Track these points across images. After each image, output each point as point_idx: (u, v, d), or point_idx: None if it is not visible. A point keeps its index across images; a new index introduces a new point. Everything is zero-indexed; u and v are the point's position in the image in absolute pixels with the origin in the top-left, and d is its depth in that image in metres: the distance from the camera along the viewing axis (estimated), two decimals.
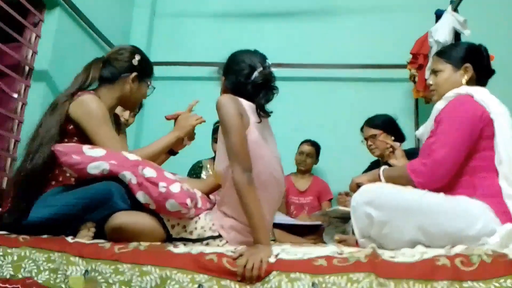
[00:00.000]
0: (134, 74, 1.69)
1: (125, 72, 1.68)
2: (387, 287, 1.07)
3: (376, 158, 2.55)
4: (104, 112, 1.57)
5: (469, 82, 1.59)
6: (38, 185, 1.48)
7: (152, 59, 3.54)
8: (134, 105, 1.80)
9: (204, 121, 1.79)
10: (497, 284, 1.04)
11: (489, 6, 3.25)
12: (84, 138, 1.54)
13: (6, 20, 2.27)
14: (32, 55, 2.54)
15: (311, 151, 3.09)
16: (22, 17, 2.41)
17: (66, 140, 1.54)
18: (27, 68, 2.51)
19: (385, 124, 2.46)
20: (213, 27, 3.67)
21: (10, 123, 2.41)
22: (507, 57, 2.77)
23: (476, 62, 1.60)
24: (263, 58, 1.50)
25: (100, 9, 3.11)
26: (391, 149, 1.98)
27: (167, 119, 1.81)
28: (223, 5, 3.70)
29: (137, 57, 1.71)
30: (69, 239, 1.36)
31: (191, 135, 1.80)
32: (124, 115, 2.30)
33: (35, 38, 2.57)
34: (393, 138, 2.45)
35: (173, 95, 3.52)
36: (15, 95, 2.42)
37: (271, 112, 1.48)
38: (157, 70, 3.50)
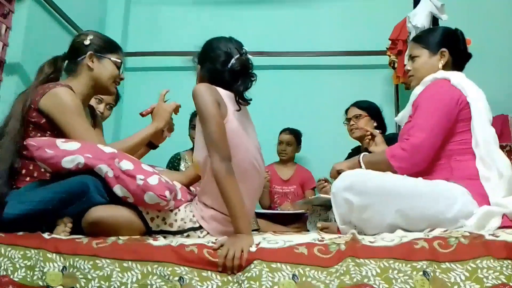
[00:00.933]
0: (88, 53, 1.63)
1: (80, 55, 1.63)
2: (366, 265, 1.09)
3: (356, 145, 2.57)
4: (77, 104, 1.52)
5: (446, 67, 1.60)
6: (7, 182, 1.43)
7: (129, 49, 3.55)
8: (107, 87, 1.68)
9: (179, 105, 1.75)
10: (473, 265, 1.07)
11: None
12: (57, 132, 1.50)
13: None
14: (2, 48, 2.45)
15: (291, 140, 3.08)
16: None
17: (39, 134, 1.50)
18: None
19: (371, 108, 2.49)
20: (191, 15, 3.60)
21: None
22: (484, 41, 2.80)
23: (452, 46, 1.61)
24: (239, 45, 1.47)
25: None
26: (370, 136, 1.99)
27: (142, 115, 1.76)
28: None
29: (90, 37, 1.65)
30: (46, 235, 1.32)
31: (170, 126, 1.77)
32: (99, 108, 2.24)
33: (5, 30, 2.47)
34: (375, 124, 2.47)
35: (151, 86, 3.44)
36: None
37: (250, 99, 1.46)
38: (135, 61, 3.52)
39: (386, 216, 1.37)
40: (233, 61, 1.42)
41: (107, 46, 1.69)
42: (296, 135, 3.10)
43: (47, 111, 1.49)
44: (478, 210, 1.32)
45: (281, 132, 3.10)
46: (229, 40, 1.49)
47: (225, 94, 1.41)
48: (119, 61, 1.70)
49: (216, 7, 3.60)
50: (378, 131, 2.14)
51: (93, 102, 2.18)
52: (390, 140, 2.24)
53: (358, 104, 2.51)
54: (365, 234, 1.36)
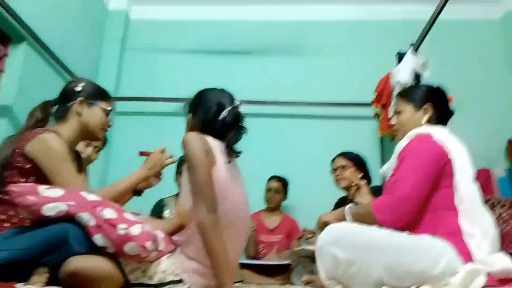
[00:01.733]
0: (79, 99, 1.65)
1: (72, 101, 1.66)
2: None
3: (343, 195, 2.58)
4: (63, 151, 1.52)
5: (430, 121, 1.64)
6: None
7: (122, 94, 3.60)
8: (95, 133, 1.70)
9: (176, 161, 1.75)
10: None
11: (448, 47, 3.44)
12: (42, 177, 1.48)
13: None
14: None
15: (279, 187, 3.08)
16: None
17: (22, 179, 1.48)
18: None
19: (357, 159, 2.53)
20: (184, 63, 3.71)
21: None
22: (464, 95, 2.91)
23: (436, 102, 1.67)
24: (231, 97, 1.50)
25: (68, 43, 3.09)
26: (356, 187, 2.00)
27: (142, 154, 1.76)
28: (194, 42, 3.76)
29: (81, 84, 1.69)
30: (21, 285, 1.27)
31: (158, 175, 1.76)
32: (87, 151, 2.24)
33: None
34: (361, 174, 2.50)
35: (140, 130, 3.49)
36: None
37: (240, 152, 1.47)
38: (126, 105, 3.55)
39: (372, 272, 1.34)
40: (224, 113, 1.45)
41: (98, 94, 1.72)
42: (284, 182, 3.11)
43: (33, 156, 1.48)
44: (463, 268, 1.31)
45: (269, 180, 3.11)
46: (221, 91, 1.52)
47: (214, 144, 1.42)
48: (109, 108, 1.72)
49: (208, 56, 3.72)
50: (363, 181, 2.16)
51: (80, 144, 2.18)
52: (375, 192, 2.26)
53: (344, 155, 2.55)
54: None
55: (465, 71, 3.38)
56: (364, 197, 1.91)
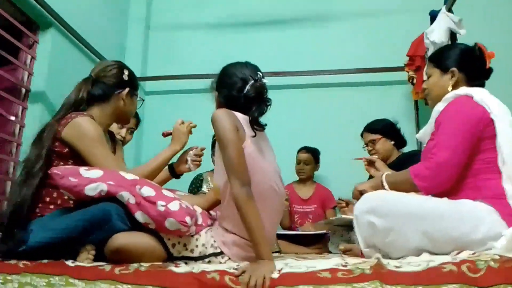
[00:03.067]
0: (127, 89, 1.70)
1: (117, 88, 1.69)
2: None
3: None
4: (99, 133, 1.56)
5: (458, 86, 1.57)
6: (27, 215, 1.46)
7: (149, 73, 3.63)
8: (128, 120, 1.81)
9: (195, 126, 1.79)
10: None
11: (484, 4, 3.24)
12: (80, 160, 1.53)
13: (1, 43, 2.28)
14: (28, 77, 2.55)
15: (308, 158, 3.07)
16: (16, 39, 2.42)
17: (62, 163, 1.53)
18: (23, 90, 2.51)
19: (384, 128, 2.47)
20: (208, 38, 3.67)
21: (9, 146, 2.40)
22: (505, 54, 2.75)
23: (466, 64, 1.58)
24: (254, 70, 1.48)
25: (94, 26, 3.12)
26: (366, 163, 1.97)
27: (164, 135, 1.81)
28: (217, 16, 3.71)
29: (126, 72, 1.72)
30: (69, 262, 1.34)
31: (197, 163, 1.80)
32: (121, 132, 2.28)
33: (31, 59, 2.58)
34: (392, 142, 2.44)
35: (170, 109, 3.52)
36: (13, 118, 2.42)
37: (265, 125, 1.46)
38: (154, 85, 3.59)
39: (411, 239, 1.33)
40: (248, 87, 1.43)
41: (137, 84, 1.80)
42: (313, 153, 3.09)
43: (69, 141, 1.53)
44: (507, 231, 1.27)
45: (298, 151, 3.10)
46: (245, 65, 1.50)
47: (242, 119, 1.41)
48: (142, 99, 1.83)
49: (232, 30, 3.67)
50: (375, 156, 2.10)
51: (114, 127, 2.23)
52: (412, 156, 2.21)
53: (370, 128, 2.50)
54: (389, 258, 1.32)
55: (503, 27, 3.18)
56: (381, 171, 1.86)
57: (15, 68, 2.48)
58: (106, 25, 3.35)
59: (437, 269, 1.10)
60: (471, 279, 1.06)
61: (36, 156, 1.51)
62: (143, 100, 1.86)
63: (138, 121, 2.46)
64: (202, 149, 1.83)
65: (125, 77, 1.71)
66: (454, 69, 1.58)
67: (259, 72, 1.47)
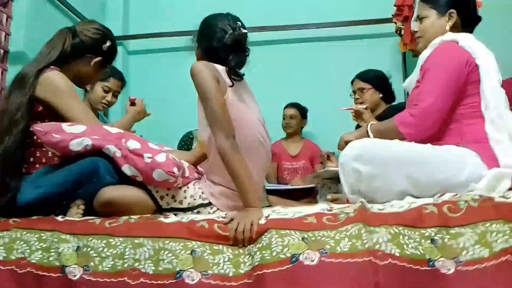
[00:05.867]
0: (99, 58, 1.63)
1: (91, 52, 1.62)
2: (377, 233, 1.09)
3: None
4: (71, 87, 1.52)
5: (454, 29, 1.56)
6: (14, 168, 1.44)
7: (131, 32, 3.51)
8: (84, 86, 1.81)
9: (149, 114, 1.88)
10: (483, 228, 1.06)
11: None
12: (55, 117, 1.49)
13: None
14: (5, 37, 2.46)
15: (294, 113, 3.07)
16: None
17: (38, 121, 1.48)
18: (1, 51, 2.43)
19: (376, 79, 2.43)
20: None
21: None
22: (493, 2, 2.72)
23: (462, 8, 1.56)
24: (234, 20, 1.45)
25: None
26: (354, 113, 1.97)
27: (131, 101, 1.83)
28: None
29: (108, 43, 1.64)
30: (59, 218, 1.35)
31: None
32: (107, 97, 2.25)
33: (6, 19, 2.48)
34: (381, 95, 2.43)
35: (155, 68, 3.45)
36: None
37: (243, 74, 1.44)
38: (137, 43, 3.48)
39: (395, 184, 1.35)
40: (226, 36, 1.40)
41: (112, 59, 1.73)
42: (299, 108, 3.08)
43: (44, 98, 1.48)
44: (488, 172, 1.31)
45: (284, 108, 3.09)
46: (225, 16, 1.47)
47: (223, 70, 1.39)
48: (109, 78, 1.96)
49: None
50: (364, 106, 2.09)
51: (99, 92, 2.20)
52: (399, 110, 2.20)
53: (362, 76, 2.45)
54: (374, 203, 1.36)
55: None
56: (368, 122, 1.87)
57: None
58: None
59: (419, 210, 1.14)
60: (451, 218, 1.10)
61: (18, 103, 1.46)
62: (109, 72, 1.90)
63: (123, 84, 2.39)
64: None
65: (105, 47, 1.63)
66: (453, 10, 1.54)
67: (238, 22, 1.44)
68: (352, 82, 2.53)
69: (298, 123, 3.09)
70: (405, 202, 1.21)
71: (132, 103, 1.81)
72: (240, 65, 1.42)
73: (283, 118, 3.09)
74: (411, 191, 1.35)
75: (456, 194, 1.23)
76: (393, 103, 2.53)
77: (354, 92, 2.47)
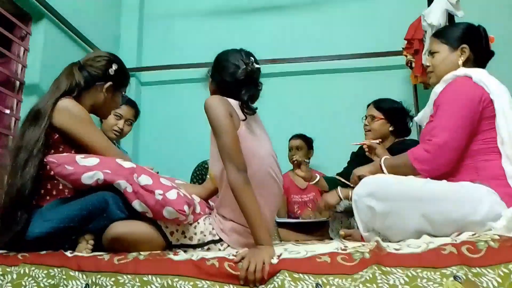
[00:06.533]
0: (109, 83, 1.66)
1: (100, 80, 1.65)
2: (393, 274, 1.05)
3: (356, 149, 2.45)
4: (87, 114, 1.54)
5: (467, 64, 1.56)
6: (26, 202, 1.44)
7: (144, 63, 3.58)
8: (105, 115, 1.77)
9: None
10: (505, 270, 1.02)
11: None
12: (70, 145, 1.50)
13: None
14: (21, 69, 2.52)
15: (300, 144, 3.02)
16: (8, 31, 2.38)
17: (52, 151, 1.50)
18: (17, 83, 2.48)
19: (390, 111, 2.32)
20: (203, 26, 3.63)
21: (4, 140, 2.39)
22: (503, 38, 2.72)
23: (474, 43, 1.57)
24: (247, 55, 1.47)
25: (87, 16, 3.08)
26: (367, 148, 1.93)
27: None
28: (213, 2, 3.66)
29: (114, 67, 1.67)
30: (68, 253, 1.33)
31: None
32: (119, 124, 2.27)
33: (24, 52, 2.55)
34: (391, 128, 2.32)
35: (167, 100, 3.49)
36: (7, 111, 2.39)
37: (256, 108, 1.44)
38: (150, 75, 3.55)
39: (410, 222, 1.32)
40: (239, 72, 1.42)
41: (125, 82, 1.76)
42: (305, 139, 3.05)
43: (59, 126, 1.49)
44: (507, 211, 1.27)
45: (290, 139, 3.06)
46: (238, 51, 1.49)
47: (236, 105, 1.40)
48: (125, 96, 1.83)
49: (229, 17, 3.62)
50: (377, 141, 2.04)
51: (112, 118, 2.22)
52: (407, 146, 2.10)
53: (377, 104, 2.35)
54: (389, 241, 1.32)
55: (502, 10, 3.15)
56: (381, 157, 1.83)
57: (8, 61, 2.45)
58: (99, 15, 3.31)
59: (436, 251, 1.10)
60: (471, 259, 1.06)
61: (35, 137, 1.47)
62: (126, 97, 1.83)
63: (137, 113, 2.42)
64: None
65: (111, 71, 1.66)
66: (465, 46, 1.55)
67: (251, 57, 1.46)
68: (368, 105, 2.43)
69: (305, 154, 3.04)
70: (422, 242, 1.17)
71: None
72: (252, 99, 1.43)
73: (289, 150, 3.05)
74: (427, 229, 1.32)
75: (475, 234, 1.19)
76: (405, 138, 2.47)
77: (366, 116, 2.37)
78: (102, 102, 1.67)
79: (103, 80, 1.65)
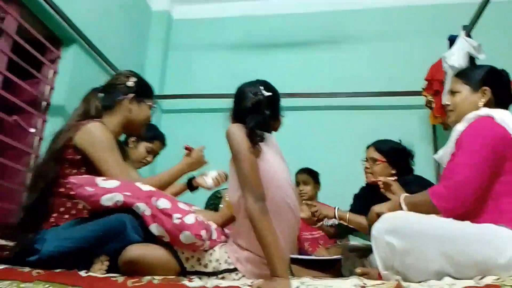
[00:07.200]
0: (130, 95, 1.69)
1: (121, 94, 1.69)
2: None
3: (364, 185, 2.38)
4: (109, 139, 1.57)
5: (488, 106, 1.55)
6: (37, 218, 1.47)
7: (166, 92, 3.67)
8: (139, 129, 1.76)
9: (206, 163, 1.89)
10: None
11: (503, 30, 3.24)
12: (92, 167, 1.53)
13: (25, 57, 2.34)
14: (49, 91, 2.60)
15: (306, 179, 2.95)
16: (40, 54, 2.48)
17: (74, 170, 1.53)
18: (44, 103, 2.56)
19: (392, 153, 2.22)
20: (225, 58, 3.73)
21: (28, 158, 2.43)
22: None
23: (496, 86, 1.57)
24: (261, 85, 1.51)
25: (115, 44, 3.20)
26: (382, 185, 1.89)
27: (186, 149, 1.86)
28: (235, 37, 3.78)
29: (132, 79, 1.72)
30: (83, 273, 1.32)
31: (217, 182, 1.88)
32: (148, 157, 2.28)
33: (53, 74, 2.64)
34: (393, 171, 2.20)
35: (188, 128, 3.54)
36: (33, 130, 2.45)
37: (262, 136, 1.42)
38: (172, 103, 3.62)
39: (431, 262, 1.28)
40: (247, 100, 1.47)
41: (148, 92, 1.78)
42: (311, 173, 2.98)
43: (82, 147, 1.53)
44: None
45: (296, 174, 2.98)
46: (254, 83, 1.53)
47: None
48: (154, 105, 1.79)
49: (248, 51, 3.73)
50: (392, 178, 1.98)
51: (143, 149, 2.24)
52: (410, 182, 1.98)
53: (378, 146, 2.25)
54: (409, 281, 1.28)
55: None
56: (397, 194, 1.78)
57: (37, 82, 2.54)
58: (126, 43, 3.43)
59: None
60: None
61: (45, 159, 1.53)
62: (156, 108, 1.83)
63: (163, 145, 2.39)
64: (227, 176, 1.81)
65: (130, 83, 1.70)
66: (486, 88, 1.55)
67: (261, 86, 1.49)
68: (367, 148, 2.34)
69: (313, 189, 2.96)
70: (444, 284, 1.14)
71: (188, 152, 1.84)
72: (259, 127, 1.41)
73: (296, 185, 2.96)
74: (449, 270, 1.27)
75: (499, 278, 1.15)
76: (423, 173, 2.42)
77: (366, 159, 2.29)
78: (129, 117, 1.69)
79: (124, 94, 1.69)
